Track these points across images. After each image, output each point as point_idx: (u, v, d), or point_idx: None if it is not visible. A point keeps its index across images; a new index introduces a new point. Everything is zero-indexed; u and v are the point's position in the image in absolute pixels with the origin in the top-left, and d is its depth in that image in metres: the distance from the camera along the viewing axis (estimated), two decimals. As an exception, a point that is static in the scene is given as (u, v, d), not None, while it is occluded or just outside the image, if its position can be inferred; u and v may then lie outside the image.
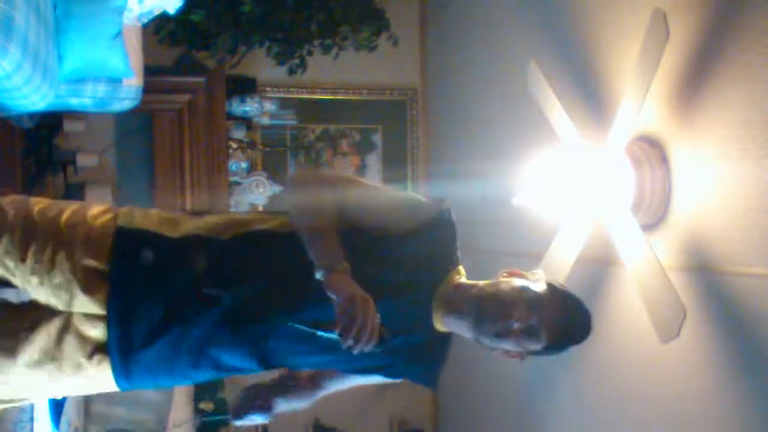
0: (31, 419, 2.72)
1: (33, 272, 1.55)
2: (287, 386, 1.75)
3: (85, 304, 1.56)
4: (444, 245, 1.67)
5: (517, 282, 1.58)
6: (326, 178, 1.73)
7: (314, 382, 1.79)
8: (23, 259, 1.55)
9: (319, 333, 1.45)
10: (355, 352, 1.41)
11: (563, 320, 1.56)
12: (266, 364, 1.66)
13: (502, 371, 3.76)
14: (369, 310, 1.41)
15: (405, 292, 1.58)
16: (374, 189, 1.80)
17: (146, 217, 1.65)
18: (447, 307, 1.61)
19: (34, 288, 1.57)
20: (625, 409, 2.66)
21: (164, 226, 1.62)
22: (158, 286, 1.57)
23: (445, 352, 1.72)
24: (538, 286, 1.58)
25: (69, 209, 1.63)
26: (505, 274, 1.63)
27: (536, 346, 1.56)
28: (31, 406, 2.72)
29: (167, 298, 1.56)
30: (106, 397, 3.37)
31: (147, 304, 1.56)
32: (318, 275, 1.47)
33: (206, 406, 4.26)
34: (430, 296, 1.61)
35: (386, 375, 1.72)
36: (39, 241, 1.56)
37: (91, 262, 1.56)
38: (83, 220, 1.60)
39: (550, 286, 1.59)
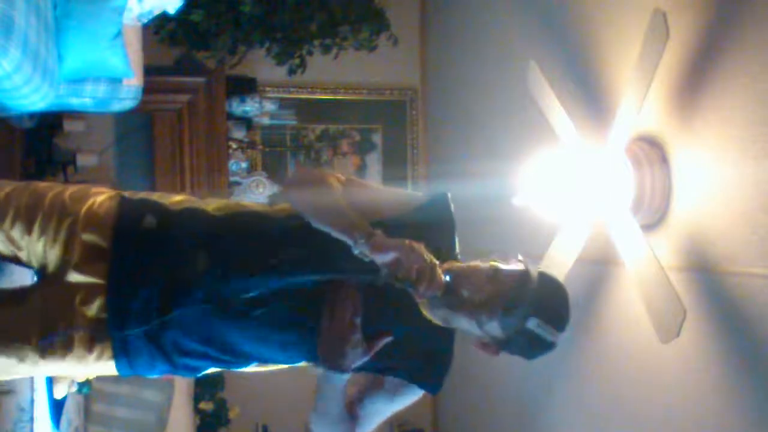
0: (31, 419, 2.71)
1: (38, 243, 1.59)
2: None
3: (79, 278, 1.58)
4: (439, 232, 1.66)
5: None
6: (320, 174, 1.73)
7: (351, 408, 1.70)
8: (29, 231, 1.59)
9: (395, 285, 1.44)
10: (428, 295, 1.45)
11: (513, 289, 1.51)
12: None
13: (502, 371, 3.76)
14: (425, 252, 1.45)
15: None
16: (367, 183, 1.83)
17: (149, 194, 1.72)
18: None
19: (38, 258, 1.60)
20: (624, 408, 2.66)
21: (165, 201, 1.68)
22: (159, 254, 1.59)
23: (448, 349, 1.70)
24: (510, 266, 1.56)
25: (73, 186, 1.69)
26: (497, 258, 1.61)
27: (492, 324, 1.51)
28: (31, 406, 2.72)
29: (167, 269, 1.58)
30: (106, 397, 3.37)
31: (147, 275, 1.57)
32: (356, 250, 1.46)
33: (206, 405, 4.26)
34: None
35: (391, 373, 1.70)
36: (44, 213, 1.60)
37: (92, 237, 1.59)
38: (87, 194, 1.66)
39: (525, 269, 1.56)
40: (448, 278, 1.49)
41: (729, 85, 2.03)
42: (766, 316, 1.95)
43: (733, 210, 2.03)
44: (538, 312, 1.50)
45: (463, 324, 1.55)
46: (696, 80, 2.15)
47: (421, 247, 1.46)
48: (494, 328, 1.52)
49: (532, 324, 1.50)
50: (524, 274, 1.54)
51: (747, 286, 2.00)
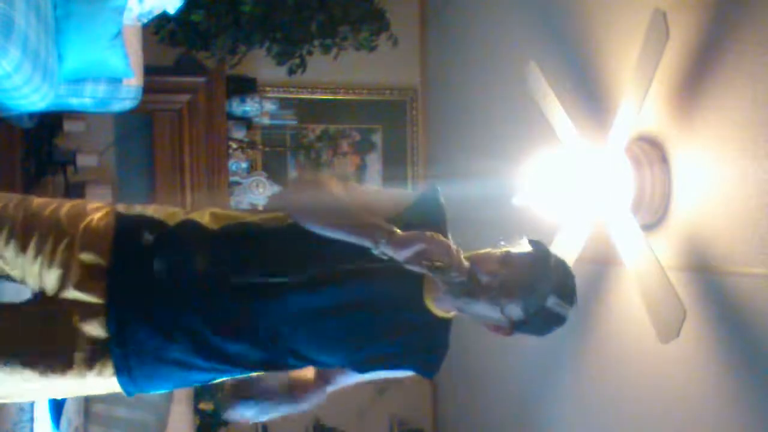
0: (31, 419, 2.71)
1: (33, 263, 1.57)
2: (276, 395, 1.77)
3: (79, 296, 1.56)
4: (432, 227, 1.67)
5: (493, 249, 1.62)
6: (318, 181, 1.72)
7: (323, 377, 1.80)
8: (24, 250, 1.57)
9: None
10: (457, 280, 1.47)
11: (532, 270, 1.56)
12: (275, 350, 1.64)
13: (502, 371, 3.76)
14: (447, 240, 1.49)
15: (390, 272, 1.56)
16: (359, 186, 1.84)
17: (144, 208, 1.70)
18: (432, 283, 1.61)
19: (33, 278, 1.59)
20: (624, 408, 2.66)
21: (161, 215, 1.67)
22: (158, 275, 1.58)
23: (445, 339, 1.73)
24: (517, 248, 1.60)
25: (68, 203, 1.67)
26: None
27: (512, 306, 1.54)
28: (31, 406, 2.72)
29: (167, 286, 1.58)
30: (106, 398, 3.37)
31: (147, 295, 1.57)
32: (376, 250, 1.48)
33: (206, 406, 4.26)
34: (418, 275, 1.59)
35: (390, 366, 1.72)
36: (40, 232, 1.58)
37: (90, 257, 1.57)
38: (83, 212, 1.64)
39: (532, 245, 1.60)
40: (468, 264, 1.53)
41: (729, 85, 2.03)
42: (766, 316, 1.95)
43: (733, 210, 2.03)
44: (556, 289, 1.55)
45: (482, 309, 1.58)
46: (696, 80, 2.15)
47: (440, 236, 1.50)
48: (515, 309, 1.55)
49: (551, 302, 1.54)
50: (541, 255, 1.58)
51: (747, 286, 2.00)
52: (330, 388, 1.81)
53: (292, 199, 1.68)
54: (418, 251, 1.46)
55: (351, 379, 1.80)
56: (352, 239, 1.52)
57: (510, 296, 1.54)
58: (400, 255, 1.47)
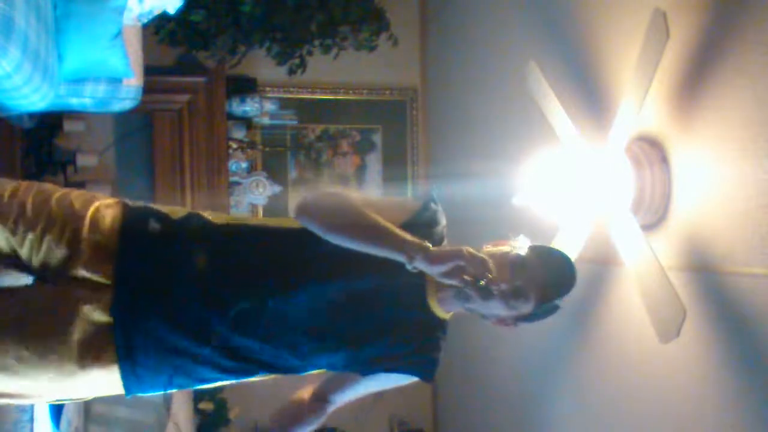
0: (31, 419, 2.71)
1: (43, 241, 1.57)
2: (296, 414, 1.79)
3: (85, 274, 1.58)
4: (432, 230, 1.70)
5: (502, 248, 1.67)
6: (338, 194, 1.71)
7: (321, 398, 1.80)
8: (34, 228, 1.58)
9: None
10: (496, 293, 1.54)
11: (548, 275, 1.64)
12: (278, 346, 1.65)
13: (502, 371, 3.76)
14: (483, 257, 1.52)
15: (391, 270, 1.57)
16: (363, 194, 1.86)
17: (148, 204, 1.73)
18: (438, 284, 1.63)
19: (40, 256, 1.59)
20: (624, 409, 2.66)
21: (165, 210, 1.70)
22: (164, 263, 1.61)
23: (443, 341, 1.75)
24: (522, 250, 1.65)
25: (76, 191, 1.69)
26: (489, 246, 1.70)
27: (525, 306, 1.63)
28: (31, 406, 2.72)
29: (172, 276, 1.60)
30: (106, 398, 3.37)
31: (154, 282, 1.59)
32: (410, 266, 1.50)
33: (206, 405, 4.26)
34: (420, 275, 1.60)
35: (391, 369, 1.73)
36: (50, 213, 1.59)
37: (98, 238, 1.59)
38: (92, 198, 1.67)
39: (533, 248, 1.67)
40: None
41: (729, 85, 2.03)
42: (766, 316, 1.95)
43: (732, 210, 2.03)
44: (565, 288, 1.68)
45: (493, 309, 1.64)
46: (696, 80, 2.15)
47: (475, 251, 1.53)
48: (527, 308, 1.63)
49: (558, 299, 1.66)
50: (554, 259, 1.68)
51: (747, 286, 2.00)
52: (330, 408, 1.80)
53: (314, 212, 1.64)
54: (456, 268, 1.48)
55: (351, 394, 1.79)
56: (382, 253, 1.53)
57: (527, 298, 1.62)
58: (436, 270, 1.49)
